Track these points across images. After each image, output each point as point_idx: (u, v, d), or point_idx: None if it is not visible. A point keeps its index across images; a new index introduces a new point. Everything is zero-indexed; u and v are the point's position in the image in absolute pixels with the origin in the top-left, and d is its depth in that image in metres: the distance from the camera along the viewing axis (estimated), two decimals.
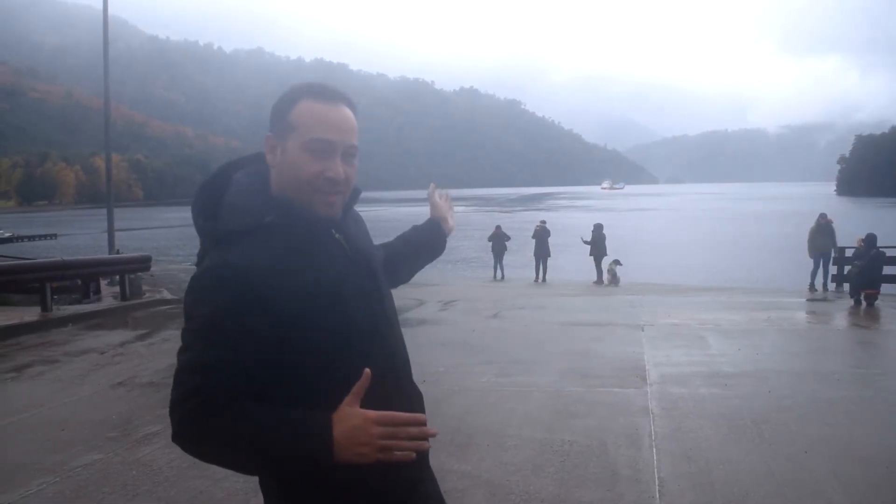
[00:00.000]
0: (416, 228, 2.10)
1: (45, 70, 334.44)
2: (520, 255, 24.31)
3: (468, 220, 62.24)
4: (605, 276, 19.13)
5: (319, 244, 1.49)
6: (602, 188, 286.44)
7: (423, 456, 1.63)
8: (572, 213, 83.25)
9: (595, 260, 19.91)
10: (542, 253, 20.50)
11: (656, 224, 62.24)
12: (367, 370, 1.34)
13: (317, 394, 1.39)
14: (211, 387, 1.32)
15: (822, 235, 16.07)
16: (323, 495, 1.43)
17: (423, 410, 1.66)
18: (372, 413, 1.31)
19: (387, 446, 1.31)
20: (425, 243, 2.08)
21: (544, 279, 20.23)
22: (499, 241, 21.50)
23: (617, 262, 19.30)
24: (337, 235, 1.54)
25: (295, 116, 1.47)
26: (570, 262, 25.03)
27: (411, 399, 1.61)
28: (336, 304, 1.44)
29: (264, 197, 1.50)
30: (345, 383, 1.34)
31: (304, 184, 1.46)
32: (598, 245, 19.95)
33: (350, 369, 1.35)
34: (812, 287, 16.00)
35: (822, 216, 16.29)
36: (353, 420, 1.30)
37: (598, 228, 20.19)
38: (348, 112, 1.51)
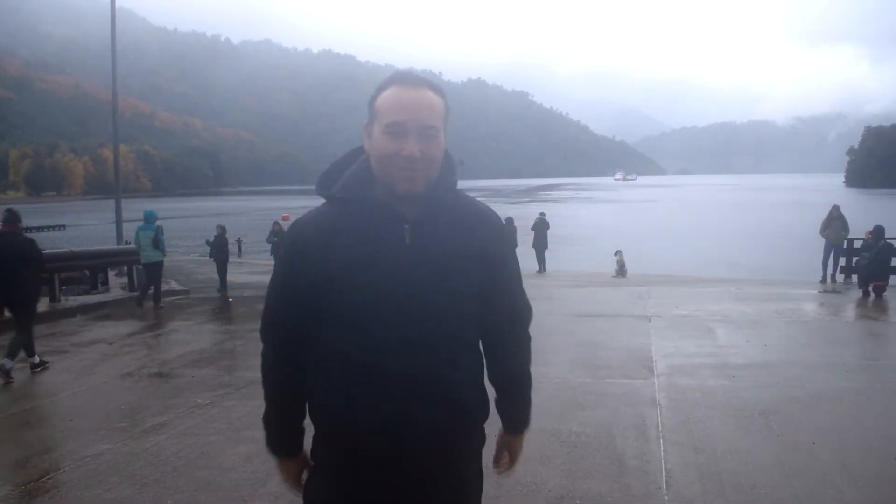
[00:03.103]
0: (508, 408, 1.89)
1: (54, 61, 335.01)
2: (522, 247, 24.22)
3: None
4: (613, 267, 19.08)
5: (373, 231, 1.59)
6: (615, 179, 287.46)
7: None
8: (577, 204, 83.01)
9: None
10: (540, 244, 20.58)
11: (666, 216, 62.00)
12: None
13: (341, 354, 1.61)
14: (272, 309, 1.72)
15: (834, 226, 16.01)
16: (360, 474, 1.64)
17: (453, 427, 1.64)
18: (292, 482, 1.82)
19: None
20: (503, 407, 1.89)
21: (543, 269, 20.21)
22: None
23: (620, 252, 19.28)
24: (407, 233, 1.59)
25: (378, 104, 1.62)
26: (574, 252, 24.96)
27: (437, 416, 1.60)
28: (360, 292, 1.56)
29: (357, 175, 1.66)
30: (348, 360, 1.59)
31: (385, 163, 1.59)
32: (539, 236, 20.45)
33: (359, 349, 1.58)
34: (824, 279, 15.93)
35: (835, 208, 16.24)
36: (283, 473, 1.83)
37: (538, 222, 20.75)
38: (427, 94, 1.61)
